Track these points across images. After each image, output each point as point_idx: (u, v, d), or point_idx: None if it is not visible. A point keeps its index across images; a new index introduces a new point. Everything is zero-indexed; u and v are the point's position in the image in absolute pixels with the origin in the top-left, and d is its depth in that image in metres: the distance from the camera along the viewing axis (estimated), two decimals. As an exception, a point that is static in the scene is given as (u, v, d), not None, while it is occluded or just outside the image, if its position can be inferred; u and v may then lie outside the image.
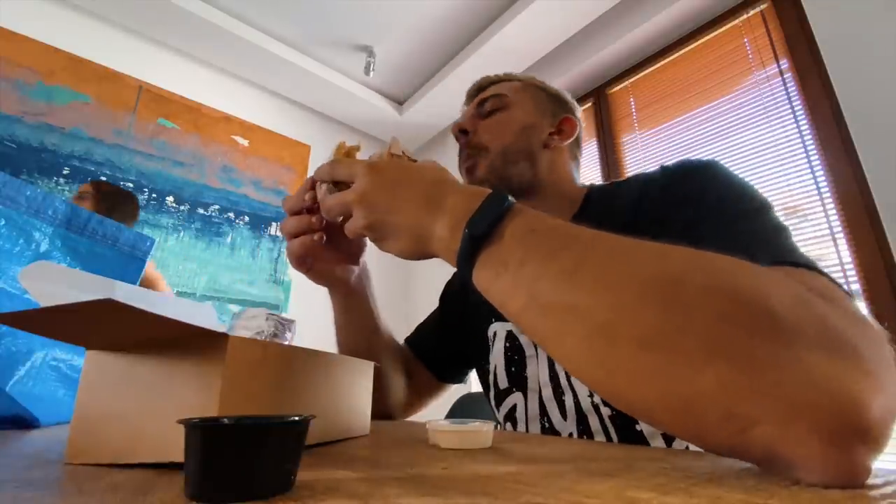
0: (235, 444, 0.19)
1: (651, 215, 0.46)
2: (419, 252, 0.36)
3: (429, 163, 0.39)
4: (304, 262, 0.52)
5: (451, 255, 0.33)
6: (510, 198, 0.31)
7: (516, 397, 0.57)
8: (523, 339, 0.57)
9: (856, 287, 1.15)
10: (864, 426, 0.19)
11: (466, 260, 0.31)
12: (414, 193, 0.35)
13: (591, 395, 0.48)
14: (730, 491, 0.19)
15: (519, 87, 0.65)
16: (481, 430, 0.34)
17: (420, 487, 0.20)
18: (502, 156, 0.59)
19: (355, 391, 0.43)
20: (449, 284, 0.79)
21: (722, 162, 0.45)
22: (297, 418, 0.21)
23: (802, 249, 0.34)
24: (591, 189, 0.61)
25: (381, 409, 0.63)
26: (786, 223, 0.37)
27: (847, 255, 1.18)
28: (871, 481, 0.19)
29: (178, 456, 0.25)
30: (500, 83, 0.67)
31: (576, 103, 0.68)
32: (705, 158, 0.47)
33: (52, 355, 0.55)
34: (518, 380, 0.57)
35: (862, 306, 1.13)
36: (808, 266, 0.31)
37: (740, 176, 0.44)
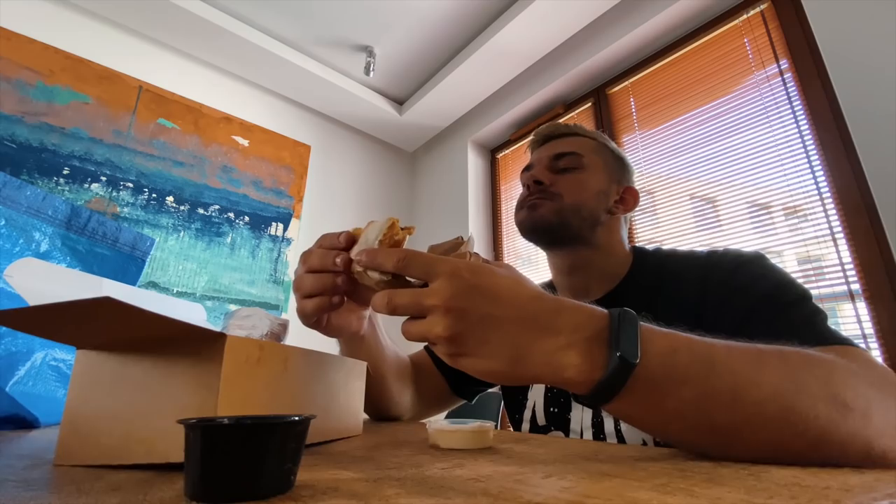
0: (236, 444, 0.19)
1: (715, 298, 0.51)
2: (515, 375, 0.30)
3: (508, 268, 0.34)
4: (320, 321, 0.46)
5: (580, 384, 0.29)
6: (631, 310, 0.30)
7: (556, 435, 0.59)
8: None
9: (856, 287, 1.15)
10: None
11: (617, 387, 0.28)
12: (513, 308, 0.30)
13: (644, 444, 0.51)
14: (730, 491, 0.19)
15: (592, 147, 0.68)
16: (481, 430, 0.34)
17: (420, 487, 0.20)
18: (572, 209, 0.62)
19: (349, 391, 0.43)
20: None
21: (765, 254, 0.54)
22: (297, 418, 0.21)
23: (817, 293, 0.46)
24: (636, 251, 0.66)
25: (387, 416, 0.64)
26: (822, 307, 0.47)
27: (847, 255, 1.18)
28: (870, 481, 0.19)
29: (173, 456, 0.25)
30: (573, 137, 0.69)
31: (633, 168, 0.72)
32: (752, 251, 0.54)
33: (52, 355, 0.55)
34: (559, 420, 0.59)
35: (862, 306, 1.13)
36: (848, 343, 0.41)
37: (781, 268, 0.51)
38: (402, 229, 0.39)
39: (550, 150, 0.67)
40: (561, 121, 2.19)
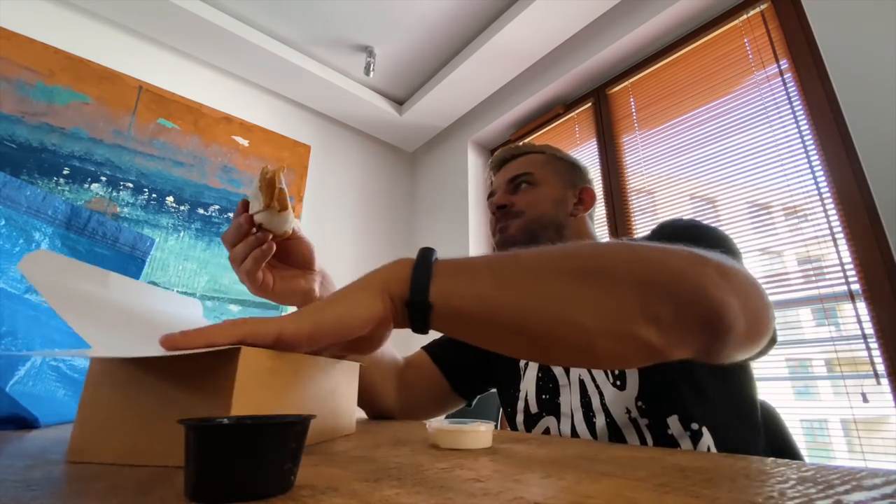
0: (235, 444, 0.19)
1: None
2: (365, 305, 0.34)
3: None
4: (265, 284, 0.52)
5: (399, 285, 0.35)
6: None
7: (549, 420, 0.61)
8: (557, 371, 0.62)
9: (856, 287, 1.15)
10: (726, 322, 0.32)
11: (426, 273, 0.34)
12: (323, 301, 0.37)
13: (627, 412, 0.52)
14: (730, 491, 0.19)
15: (542, 160, 0.74)
16: (481, 430, 0.34)
17: (420, 487, 0.20)
18: (536, 221, 0.68)
19: (344, 391, 0.44)
20: None
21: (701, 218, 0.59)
22: (297, 418, 0.21)
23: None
24: None
25: (374, 406, 0.65)
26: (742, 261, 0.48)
27: (847, 255, 1.18)
28: (870, 481, 0.19)
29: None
30: (523, 156, 0.75)
31: (587, 168, 0.78)
32: (688, 218, 0.57)
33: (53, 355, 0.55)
34: (550, 406, 0.61)
35: (862, 306, 1.13)
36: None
37: (719, 229, 0.54)
38: (270, 169, 0.48)
39: (506, 174, 0.74)
40: (560, 121, 2.20)
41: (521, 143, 0.79)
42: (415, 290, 0.34)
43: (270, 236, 0.49)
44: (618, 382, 0.54)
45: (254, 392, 0.28)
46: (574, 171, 0.75)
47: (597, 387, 0.56)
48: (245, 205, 0.50)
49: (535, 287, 0.33)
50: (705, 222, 0.55)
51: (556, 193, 0.70)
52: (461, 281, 0.34)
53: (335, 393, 0.41)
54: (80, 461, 0.27)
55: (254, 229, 0.49)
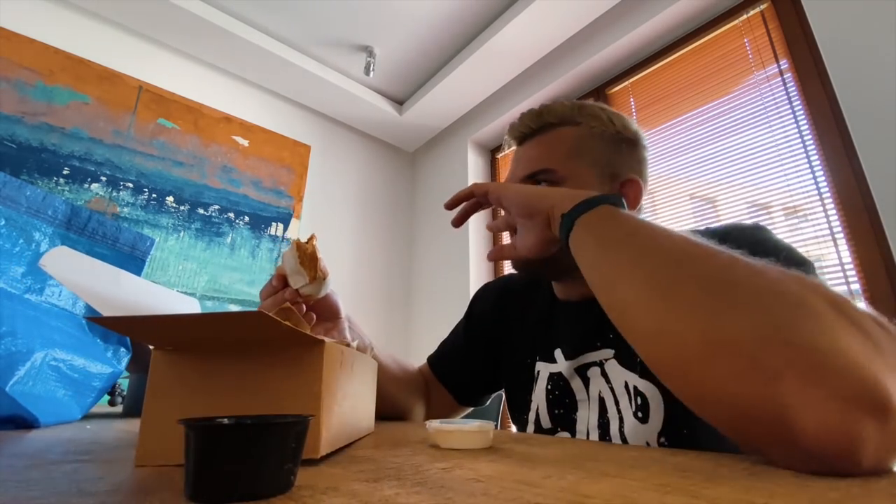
0: (235, 444, 0.19)
1: None
2: (539, 214, 0.45)
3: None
4: None
5: (564, 206, 0.42)
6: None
7: (563, 435, 0.57)
8: (575, 385, 0.57)
9: (856, 287, 1.15)
10: (881, 402, 0.21)
11: (585, 206, 0.40)
12: (541, 190, 0.48)
13: (647, 445, 0.49)
14: (730, 491, 0.19)
15: (573, 144, 0.58)
16: (481, 430, 0.34)
17: (420, 487, 0.20)
18: None
19: (372, 388, 0.46)
20: (477, 305, 0.76)
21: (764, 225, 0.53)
22: (297, 418, 0.21)
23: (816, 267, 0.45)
24: None
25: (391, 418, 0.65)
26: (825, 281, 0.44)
27: (847, 255, 1.18)
28: (872, 482, 0.19)
29: None
30: (550, 132, 0.60)
31: (641, 139, 0.63)
32: (751, 223, 0.52)
33: (52, 355, 0.55)
34: (565, 421, 0.57)
35: (862, 306, 1.13)
36: None
37: (782, 239, 0.49)
38: (305, 243, 0.47)
39: (523, 166, 0.59)
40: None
41: (552, 104, 0.61)
42: (571, 212, 0.41)
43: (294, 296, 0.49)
44: (639, 414, 0.50)
45: (330, 384, 0.29)
46: (618, 152, 0.60)
47: (618, 411, 0.52)
48: (282, 279, 0.48)
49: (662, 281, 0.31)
50: (770, 230, 0.49)
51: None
52: (604, 234, 0.38)
53: (370, 387, 0.43)
54: (150, 465, 0.27)
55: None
